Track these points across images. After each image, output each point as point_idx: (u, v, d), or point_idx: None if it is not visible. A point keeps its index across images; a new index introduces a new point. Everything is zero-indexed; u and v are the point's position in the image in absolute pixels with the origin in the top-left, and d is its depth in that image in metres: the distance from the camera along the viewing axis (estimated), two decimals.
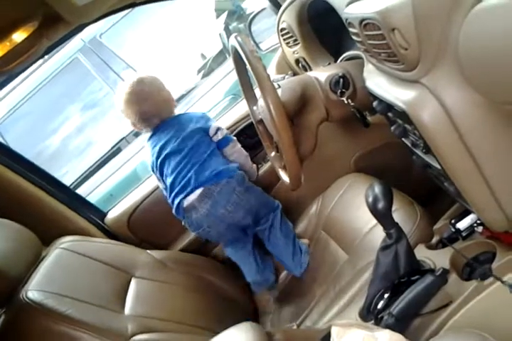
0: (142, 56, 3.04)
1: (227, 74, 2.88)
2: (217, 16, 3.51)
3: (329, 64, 1.33)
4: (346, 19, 0.94)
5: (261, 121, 1.28)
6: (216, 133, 1.51)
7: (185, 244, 1.70)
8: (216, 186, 1.40)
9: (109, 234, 1.72)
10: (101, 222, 1.75)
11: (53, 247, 1.33)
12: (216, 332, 1.12)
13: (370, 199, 0.86)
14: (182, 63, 3.17)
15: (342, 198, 1.41)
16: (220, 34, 3.21)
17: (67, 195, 1.72)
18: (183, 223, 1.50)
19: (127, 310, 1.21)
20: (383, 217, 0.87)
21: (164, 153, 1.47)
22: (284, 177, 1.21)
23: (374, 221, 1.11)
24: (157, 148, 1.48)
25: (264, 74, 1.03)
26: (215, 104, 2.75)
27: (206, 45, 3.34)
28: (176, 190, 1.44)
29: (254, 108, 1.32)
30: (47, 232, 1.36)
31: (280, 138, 1.05)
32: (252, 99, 1.35)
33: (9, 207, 1.44)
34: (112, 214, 1.78)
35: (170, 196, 1.46)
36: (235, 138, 1.56)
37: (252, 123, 1.56)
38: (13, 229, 1.26)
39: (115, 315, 1.16)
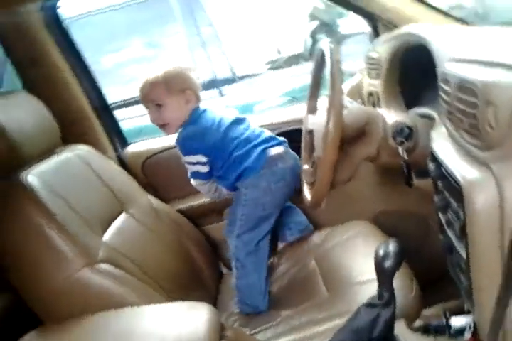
0: (227, 21, 3.02)
1: (292, 76, 2.87)
2: (310, 20, 3.50)
3: (400, 111, 1.30)
4: (443, 74, 0.92)
5: (311, 132, 1.26)
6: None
7: (184, 208, 1.68)
8: (288, 149, 1.46)
9: (122, 163, 1.72)
10: (120, 149, 1.77)
11: (69, 149, 1.37)
12: (172, 297, 1.13)
13: (381, 254, 0.83)
14: (257, 46, 3.15)
15: (349, 240, 1.39)
16: (305, 39, 3.21)
17: (104, 108, 1.77)
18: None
19: (105, 237, 1.21)
20: (385, 276, 0.83)
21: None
22: (307, 193, 1.19)
23: (370, 276, 1.08)
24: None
25: (339, 89, 1.02)
26: (271, 98, 2.75)
27: (286, 42, 3.33)
28: (254, 143, 1.42)
29: (310, 117, 1.30)
30: (69, 133, 1.40)
31: (324, 157, 1.02)
32: (311, 108, 1.33)
33: (48, 96, 1.43)
34: (133, 148, 1.80)
35: (242, 148, 1.41)
36: None
37: (297, 129, 1.55)
38: (42, 114, 1.30)
39: (93, 236, 1.16)
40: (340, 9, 3.55)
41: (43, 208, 1.07)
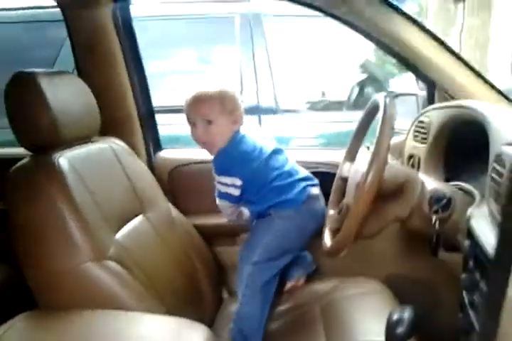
0: (281, 53, 3.06)
1: (332, 121, 2.90)
2: (361, 71, 3.55)
3: (442, 180, 1.30)
4: (498, 156, 0.92)
5: (344, 179, 1.26)
6: None
7: (200, 224, 1.65)
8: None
9: (151, 166, 1.72)
10: (153, 152, 1.77)
11: (105, 141, 1.40)
12: (170, 311, 1.14)
13: (394, 319, 0.81)
14: (302, 84, 3.19)
15: (358, 296, 1.36)
16: (352, 88, 3.24)
17: (147, 109, 1.78)
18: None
19: (118, 235, 1.20)
20: None
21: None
22: (327, 239, 1.17)
23: (375, 337, 1.06)
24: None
25: (387, 143, 1.02)
26: (304, 137, 2.76)
27: (332, 86, 3.36)
28: (296, 177, 1.42)
29: (347, 164, 1.30)
30: (108, 125, 1.41)
31: (356, 208, 1.01)
32: (351, 156, 1.33)
33: (96, 85, 1.45)
34: (165, 154, 1.80)
35: (284, 180, 1.41)
36: None
37: (327, 173, 1.55)
38: (87, 100, 1.33)
39: (108, 232, 1.15)
40: (392, 68, 3.66)
41: (67, 192, 1.07)
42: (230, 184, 1.37)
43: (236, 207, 1.46)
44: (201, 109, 1.36)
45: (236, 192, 1.38)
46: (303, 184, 1.42)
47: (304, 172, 1.46)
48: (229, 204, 1.43)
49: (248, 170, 1.37)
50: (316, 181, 1.46)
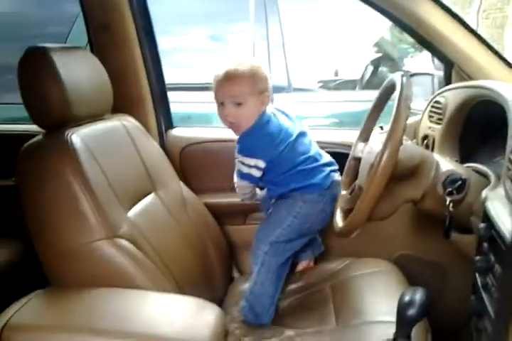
0: (295, 31, 3.03)
1: (345, 100, 2.86)
2: (375, 50, 3.50)
3: (457, 161, 1.28)
4: None
5: (357, 159, 1.25)
6: None
7: (211, 203, 1.64)
8: None
9: (162, 144, 1.71)
10: (164, 130, 1.76)
11: (118, 118, 1.39)
12: (182, 290, 1.15)
13: (405, 300, 0.81)
14: (316, 63, 3.15)
15: (368, 276, 1.36)
16: (366, 66, 3.20)
17: (160, 86, 1.76)
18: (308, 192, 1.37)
19: (130, 213, 1.20)
20: (405, 323, 0.81)
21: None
22: (339, 220, 1.17)
23: (384, 317, 1.06)
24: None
25: (402, 124, 1.00)
26: (317, 116, 2.74)
27: (345, 65, 3.33)
28: (321, 162, 1.41)
29: (360, 144, 1.29)
30: (121, 102, 1.39)
31: (368, 189, 1.00)
32: (363, 136, 1.32)
33: (110, 61, 1.45)
34: (177, 132, 1.79)
35: (310, 164, 1.39)
36: None
37: (340, 153, 1.54)
38: (101, 77, 1.31)
39: (120, 210, 1.15)
40: (407, 46, 3.60)
41: (80, 170, 1.07)
42: (253, 165, 1.35)
43: (253, 187, 1.45)
44: (231, 89, 1.30)
45: (258, 174, 1.36)
46: (328, 169, 1.41)
47: (327, 157, 1.44)
48: (248, 185, 1.42)
49: (274, 153, 1.35)
50: (337, 166, 1.45)
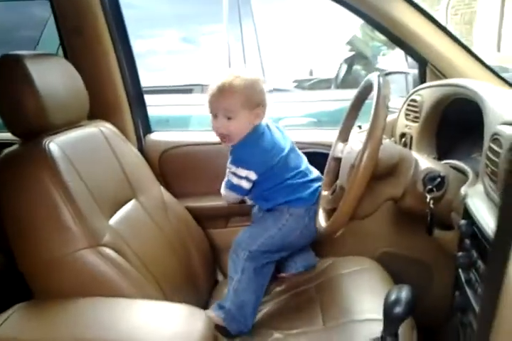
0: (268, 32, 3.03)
1: (320, 100, 2.88)
2: (349, 49, 3.52)
3: (434, 158, 1.30)
4: (494, 135, 0.92)
5: (337, 159, 1.26)
6: None
7: (193, 207, 1.63)
8: None
9: (141, 149, 1.70)
10: (142, 135, 1.75)
11: (95, 124, 1.37)
12: (167, 295, 1.14)
13: (392, 298, 0.82)
14: (289, 63, 3.16)
15: (352, 275, 1.37)
16: (340, 64, 3.22)
17: (136, 91, 1.75)
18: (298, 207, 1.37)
19: (112, 221, 1.18)
20: (392, 321, 0.82)
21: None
22: (322, 220, 1.18)
23: (370, 315, 1.07)
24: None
25: (382, 123, 1.01)
26: (294, 116, 2.75)
27: (319, 64, 3.34)
28: (310, 177, 1.40)
29: (340, 144, 1.30)
30: (97, 108, 1.37)
31: (350, 189, 1.01)
32: (343, 136, 1.32)
33: (84, 67, 1.43)
34: (155, 136, 1.77)
35: (300, 179, 1.38)
36: None
37: (319, 153, 1.55)
38: (75, 83, 1.29)
39: (101, 218, 1.13)
40: (379, 44, 3.63)
41: (59, 179, 1.05)
42: (245, 176, 1.34)
43: (239, 199, 1.45)
44: (224, 103, 1.29)
45: (247, 186, 1.36)
46: (315, 185, 1.40)
47: (315, 173, 1.44)
48: (236, 196, 1.41)
49: (267, 165, 1.34)
50: (319, 183, 1.41)
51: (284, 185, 1.37)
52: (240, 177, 1.35)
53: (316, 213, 1.30)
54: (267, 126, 1.39)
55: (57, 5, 1.55)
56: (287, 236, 1.37)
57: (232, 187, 1.38)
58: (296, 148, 1.45)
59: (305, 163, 1.44)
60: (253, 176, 1.34)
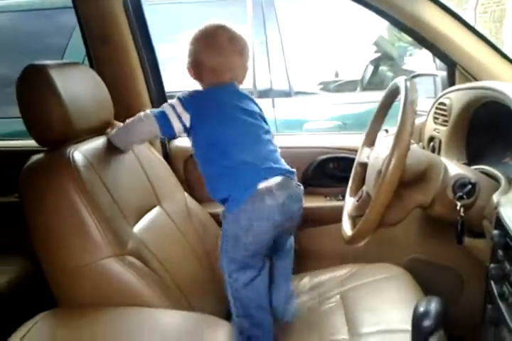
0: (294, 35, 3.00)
1: (347, 102, 2.85)
2: (375, 50, 3.47)
3: (464, 163, 1.27)
4: None
5: (364, 164, 1.23)
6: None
7: (216, 212, 1.50)
8: (293, 180, 1.21)
9: (166, 155, 1.71)
10: (166, 141, 1.75)
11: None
12: (190, 304, 1.13)
13: (421, 310, 0.79)
14: (315, 65, 3.14)
15: (379, 282, 1.33)
16: (366, 66, 3.18)
17: (160, 97, 1.75)
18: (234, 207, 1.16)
19: (136, 228, 1.19)
20: (421, 334, 0.79)
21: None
22: (347, 227, 1.15)
23: (398, 325, 1.05)
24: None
25: (409, 129, 0.99)
26: (320, 119, 2.73)
27: (345, 65, 3.30)
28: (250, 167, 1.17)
29: (366, 149, 1.27)
30: (122, 116, 1.33)
31: (377, 196, 0.99)
32: (369, 140, 1.30)
33: (109, 75, 1.45)
34: (180, 142, 1.77)
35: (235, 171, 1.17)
36: None
37: (345, 158, 1.52)
38: (100, 91, 1.30)
39: (125, 225, 1.14)
40: (406, 44, 3.57)
41: (83, 188, 1.06)
42: (179, 112, 1.18)
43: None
44: None
45: (177, 125, 1.18)
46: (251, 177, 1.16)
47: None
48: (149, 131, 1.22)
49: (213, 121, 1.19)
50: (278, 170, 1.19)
51: (220, 174, 1.19)
52: (174, 110, 1.19)
53: (259, 211, 1.14)
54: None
55: (82, 14, 1.57)
56: (237, 246, 1.18)
57: (160, 117, 1.19)
58: (270, 133, 1.28)
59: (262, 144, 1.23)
60: (187, 117, 1.19)
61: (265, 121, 1.27)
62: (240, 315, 1.19)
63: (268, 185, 1.15)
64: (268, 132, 1.25)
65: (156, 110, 1.22)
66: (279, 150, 1.25)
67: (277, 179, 1.16)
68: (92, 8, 1.57)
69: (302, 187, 1.24)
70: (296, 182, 1.23)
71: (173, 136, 1.21)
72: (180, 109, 1.18)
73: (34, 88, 1.10)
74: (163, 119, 1.18)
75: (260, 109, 1.28)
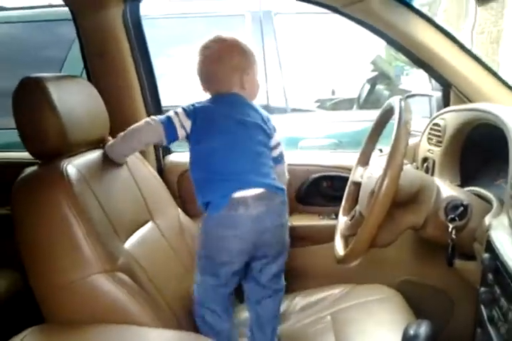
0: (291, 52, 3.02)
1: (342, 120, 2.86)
2: (372, 69, 3.50)
3: (458, 185, 1.27)
4: None
5: (357, 184, 1.23)
6: (277, 146, 1.31)
7: None
8: (276, 196, 1.20)
9: (160, 170, 1.70)
10: (162, 156, 1.76)
11: None
12: (179, 320, 1.15)
13: (410, 334, 0.79)
14: (311, 83, 3.15)
15: (371, 304, 1.33)
16: (363, 85, 3.20)
17: (157, 111, 1.73)
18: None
19: (127, 244, 1.18)
20: None
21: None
22: (339, 246, 1.15)
23: None
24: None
25: (402, 150, 1.00)
26: (315, 137, 2.74)
27: (342, 83, 3.32)
28: (228, 177, 1.19)
29: (360, 169, 1.28)
30: (117, 130, 1.32)
31: (370, 217, 0.99)
32: (363, 160, 1.31)
33: (106, 89, 1.45)
34: (175, 157, 1.77)
35: (215, 179, 1.20)
36: None
37: (339, 176, 1.52)
38: (97, 105, 1.30)
39: (116, 241, 1.13)
40: (403, 64, 3.60)
41: (75, 202, 1.05)
42: (183, 120, 1.23)
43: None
44: None
45: (181, 131, 1.23)
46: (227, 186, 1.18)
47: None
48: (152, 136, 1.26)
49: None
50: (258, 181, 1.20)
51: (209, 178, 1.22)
52: (177, 116, 1.24)
53: (230, 219, 1.16)
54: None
55: (81, 27, 1.58)
56: (211, 253, 1.20)
57: (168, 121, 1.23)
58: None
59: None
60: (188, 125, 1.23)
61: (266, 132, 1.26)
62: (197, 314, 1.23)
63: (243, 195, 1.16)
64: (262, 144, 1.25)
65: (161, 116, 1.26)
66: (272, 164, 1.25)
67: (256, 191, 1.17)
68: (91, 21, 1.58)
69: (287, 206, 1.24)
70: (282, 199, 1.22)
71: (174, 140, 1.24)
72: (183, 116, 1.23)
73: (30, 100, 1.10)
74: (168, 124, 1.23)
75: (264, 119, 1.28)
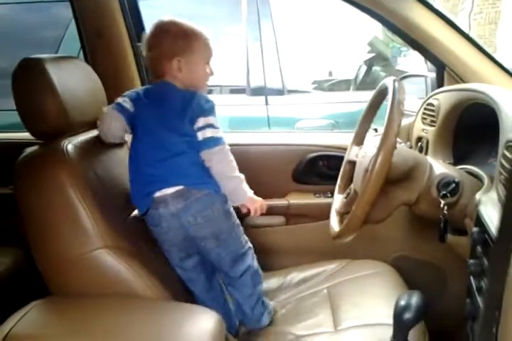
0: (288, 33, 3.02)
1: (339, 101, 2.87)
2: (369, 50, 3.50)
3: (450, 163, 1.29)
4: (508, 142, 0.91)
5: (352, 163, 1.26)
6: (204, 128, 1.20)
7: None
8: (198, 191, 1.21)
9: None
10: None
11: None
12: (178, 294, 1.16)
13: (402, 304, 0.82)
14: (309, 64, 3.16)
15: (365, 278, 1.37)
16: (360, 66, 3.21)
17: None
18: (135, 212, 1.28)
19: (129, 220, 1.22)
20: (402, 327, 0.82)
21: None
22: (335, 223, 1.18)
23: (382, 320, 1.07)
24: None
25: (395, 129, 1.01)
26: (312, 118, 2.75)
27: (340, 64, 3.33)
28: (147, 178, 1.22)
29: (355, 148, 1.30)
30: None
31: (363, 194, 1.01)
32: (358, 139, 1.33)
33: (103, 68, 1.47)
34: None
35: (138, 178, 1.24)
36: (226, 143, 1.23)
37: (335, 156, 1.54)
38: (95, 84, 1.31)
39: (118, 218, 1.17)
40: (399, 46, 3.61)
41: (77, 180, 1.08)
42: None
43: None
44: None
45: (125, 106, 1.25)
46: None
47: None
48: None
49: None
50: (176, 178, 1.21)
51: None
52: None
53: (152, 217, 1.23)
54: None
55: (78, 8, 1.59)
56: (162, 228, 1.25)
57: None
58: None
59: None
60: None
61: (185, 123, 1.21)
62: None
63: (163, 194, 1.19)
64: (185, 142, 1.21)
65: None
66: (200, 160, 1.22)
67: (175, 188, 1.19)
68: (88, 2, 1.58)
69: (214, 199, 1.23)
70: (203, 193, 1.21)
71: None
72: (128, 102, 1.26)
73: (29, 81, 1.12)
74: (117, 105, 1.25)
75: (197, 111, 1.21)
